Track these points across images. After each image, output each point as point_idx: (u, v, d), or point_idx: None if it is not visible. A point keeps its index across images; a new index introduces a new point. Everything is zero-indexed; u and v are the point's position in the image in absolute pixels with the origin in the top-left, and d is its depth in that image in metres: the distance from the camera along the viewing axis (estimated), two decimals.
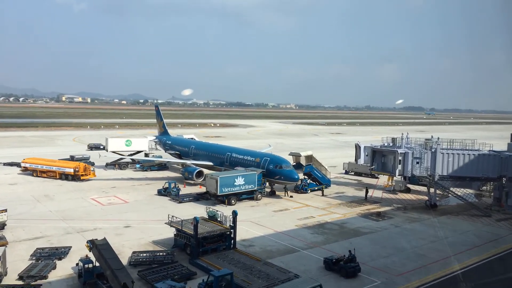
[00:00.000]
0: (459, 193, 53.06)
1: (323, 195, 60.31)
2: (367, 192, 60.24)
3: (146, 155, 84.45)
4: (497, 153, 54.02)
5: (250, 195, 55.39)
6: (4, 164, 79.20)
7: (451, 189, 53.13)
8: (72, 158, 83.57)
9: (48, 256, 33.92)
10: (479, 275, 33.84)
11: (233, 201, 52.99)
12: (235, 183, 53.32)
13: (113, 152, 79.29)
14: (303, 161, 63.43)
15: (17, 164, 77.97)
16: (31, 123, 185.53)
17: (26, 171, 70.79)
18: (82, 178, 66.16)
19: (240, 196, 54.29)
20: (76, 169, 66.30)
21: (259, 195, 56.11)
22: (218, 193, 51.91)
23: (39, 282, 29.79)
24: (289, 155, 64.98)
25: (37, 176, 68.50)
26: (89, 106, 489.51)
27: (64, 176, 66.78)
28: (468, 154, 52.81)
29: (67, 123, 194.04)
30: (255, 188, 55.47)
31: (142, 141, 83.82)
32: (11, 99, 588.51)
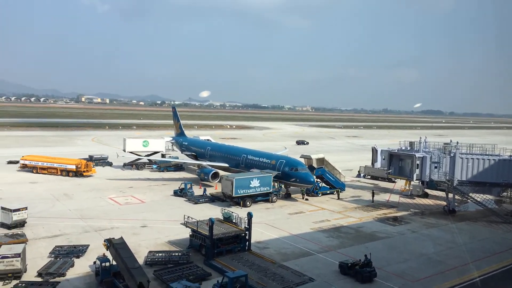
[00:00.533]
0: (478, 199, 52.00)
1: (338, 198, 59.85)
2: (373, 195, 59.94)
3: (163, 155, 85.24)
4: None
5: (265, 197, 55.39)
6: None
7: (470, 194, 52.12)
8: (90, 158, 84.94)
9: (66, 254, 34.54)
10: (498, 283, 33.13)
11: (248, 203, 53.07)
12: (251, 185, 53.39)
13: (131, 152, 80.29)
14: (314, 164, 63.05)
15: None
16: (51, 123, 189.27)
17: (25, 167, 72.81)
18: (84, 174, 69.07)
19: (255, 198, 54.34)
20: (79, 166, 69.00)
21: (274, 198, 56.05)
22: (234, 195, 52.06)
23: (57, 279, 30.33)
24: (300, 157, 64.77)
25: (37, 172, 70.73)
26: (107, 107, 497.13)
27: (66, 173, 69.56)
28: (488, 159, 51.80)
29: (86, 123, 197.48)
30: (271, 190, 55.45)
31: (159, 142, 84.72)
32: (32, 99, 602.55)
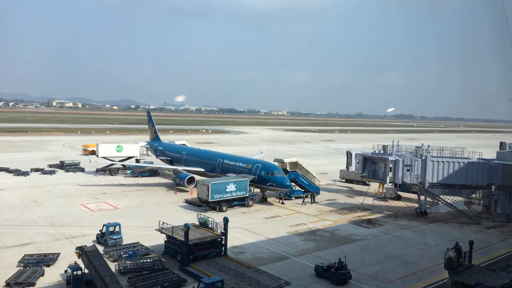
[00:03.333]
0: (449, 201, 53.47)
1: (312, 202, 60.09)
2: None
3: (137, 161, 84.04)
4: (486, 161, 54.65)
5: (241, 202, 55.29)
6: None
7: (441, 196, 53.54)
8: (62, 164, 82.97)
9: (36, 263, 33.47)
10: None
11: (224, 207, 52.85)
12: (227, 190, 53.21)
13: (104, 157, 78.83)
14: (288, 168, 63.45)
15: (6, 169, 77.17)
16: (20, 128, 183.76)
17: None
18: None
19: (231, 203, 54.17)
20: None
21: (250, 202, 56.03)
22: (210, 200, 51.74)
23: None
24: (273, 161, 65.12)
25: None
26: (80, 111, 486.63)
27: None
28: (457, 162, 53.33)
29: (58, 128, 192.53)
30: (247, 194, 55.41)
31: (133, 147, 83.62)
32: (0, 103, 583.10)
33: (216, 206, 52.44)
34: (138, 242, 38.88)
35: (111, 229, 39.36)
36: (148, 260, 34.76)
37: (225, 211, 52.20)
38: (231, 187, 53.58)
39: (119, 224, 40.16)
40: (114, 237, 38.86)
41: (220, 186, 52.80)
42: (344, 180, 77.98)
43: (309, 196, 61.51)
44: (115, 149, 79.87)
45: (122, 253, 35.87)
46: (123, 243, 38.87)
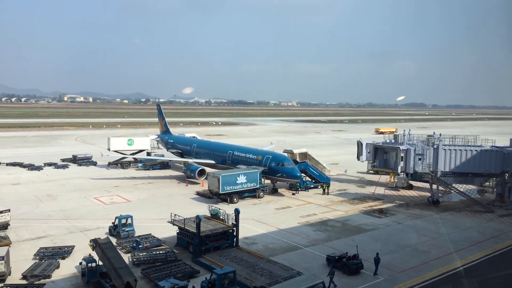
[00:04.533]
0: (461, 189, 52.96)
1: (324, 193, 59.86)
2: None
3: (148, 154, 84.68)
4: (499, 148, 53.90)
5: (252, 193, 55.45)
6: (7, 164, 79.41)
7: (454, 185, 53.04)
8: (74, 158, 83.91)
9: (51, 256, 34.08)
10: (481, 271, 33.79)
11: (235, 199, 53.05)
12: (237, 181, 53.36)
13: (115, 151, 79.52)
14: (297, 159, 63.34)
15: (20, 164, 78.35)
16: (33, 123, 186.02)
17: None
18: None
19: (242, 194, 54.35)
20: None
21: (261, 193, 56.15)
22: (220, 192, 51.98)
23: (42, 281, 29.97)
24: (283, 152, 64.94)
25: None
26: (91, 106, 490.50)
27: None
28: (470, 150, 52.70)
29: (69, 123, 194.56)
30: (257, 186, 55.51)
31: (144, 140, 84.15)
32: (13, 99, 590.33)
33: (227, 198, 52.66)
34: (150, 234, 39.35)
35: (123, 221, 39.90)
36: (161, 252, 35.14)
37: (236, 202, 52.40)
38: (241, 179, 53.71)
39: (131, 217, 40.66)
40: (126, 229, 39.46)
41: (230, 178, 52.94)
42: (373, 172, 75.19)
43: (319, 187, 61.40)
44: (127, 142, 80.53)
45: (134, 245, 36.26)
46: (136, 235, 39.36)
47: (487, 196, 57.21)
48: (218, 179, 51.80)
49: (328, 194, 59.36)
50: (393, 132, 63.66)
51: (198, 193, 58.03)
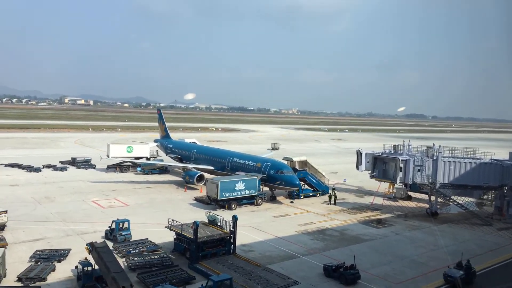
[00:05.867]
0: (460, 202, 52.86)
1: (331, 203, 58.40)
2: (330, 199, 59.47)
3: (148, 159, 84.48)
4: (498, 161, 53.92)
5: (250, 200, 55.33)
6: (6, 165, 79.29)
7: (452, 197, 52.95)
8: (73, 160, 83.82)
9: (47, 258, 33.90)
10: (479, 284, 33.62)
11: (233, 206, 52.91)
12: (236, 188, 53.30)
13: (114, 158, 79.28)
14: (297, 166, 63.35)
15: (18, 166, 78.24)
16: (33, 124, 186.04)
17: None
18: None
19: (240, 201, 54.23)
20: None
21: (259, 200, 56.03)
22: (219, 198, 51.87)
23: (38, 284, 29.74)
24: (282, 159, 64.96)
25: None
26: (91, 109, 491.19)
27: None
28: (469, 162, 52.72)
29: (69, 125, 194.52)
30: (256, 193, 55.43)
31: (144, 148, 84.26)
32: (14, 100, 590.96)
33: (225, 204, 52.53)
34: (147, 239, 39.18)
35: (120, 225, 39.84)
36: (157, 257, 34.98)
37: (234, 209, 52.23)
38: (240, 186, 53.64)
39: (128, 221, 40.58)
40: (123, 233, 39.27)
41: (229, 185, 52.88)
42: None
43: (317, 195, 61.35)
44: (126, 149, 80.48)
45: (131, 249, 36.15)
46: (132, 239, 39.19)
47: (485, 209, 57.11)
48: (217, 185, 51.71)
49: (335, 204, 58.50)
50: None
51: (196, 199, 57.93)
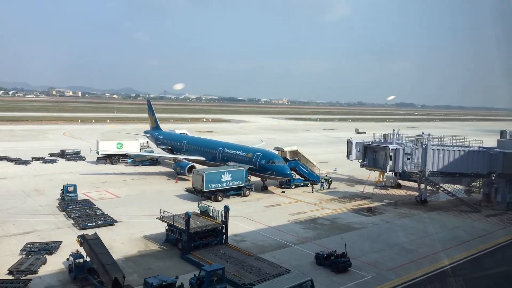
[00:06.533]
0: (449, 189, 53.59)
1: (324, 188, 61.40)
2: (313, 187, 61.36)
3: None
4: (486, 149, 54.62)
5: (237, 191, 55.02)
6: None
7: (441, 185, 53.63)
8: (63, 153, 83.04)
9: (38, 251, 33.72)
10: (468, 270, 34.27)
11: (219, 197, 52.39)
12: (222, 179, 52.65)
13: (104, 155, 78.29)
14: (288, 156, 63.52)
15: (7, 158, 77.28)
16: (21, 117, 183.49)
17: None
18: None
19: (227, 193, 53.90)
20: None
21: (247, 192, 55.75)
22: (204, 189, 51.11)
23: (29, 277, 29.60)
24: (273, 149, 65.09)
25: None
26: (80, 100, 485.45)
27: None
28: (458, 150, 53.33)
29: (58, 117, 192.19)
30: (243, 184, 55.09)
31: (134, 144, 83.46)
32: (0, 92, 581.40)
33: (212, 195, 52.19)
34: (88, 200, 49.89)
35: (70, 189, 49.97)
36: (90, 210, 45.82)
37: (220, 200, 51.68)
38: (226, 177, 53.04)
39: (75, 185, 51.02)
40: (70, 195, 49.63)
41: (215, 176, 52.36)
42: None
43: (308, 185, 61.73)
44: (116, 146, 79.61)
45: (71, 206, 46.68)
46: (78, 199, 49.48)
47: (474, 196, 58.00)
48: (203, 177, 51.13)
49: (329, 188, 61.26)
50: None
51: (187, 190, 57.83)
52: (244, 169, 55.75)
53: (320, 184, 62.33)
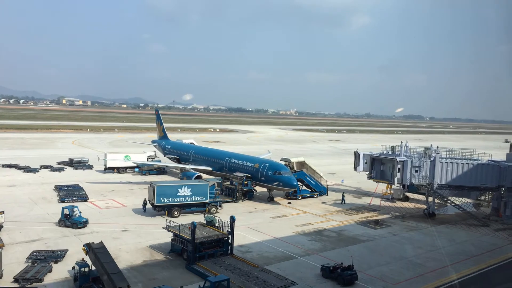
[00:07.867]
0: (457, 202, 52.96)
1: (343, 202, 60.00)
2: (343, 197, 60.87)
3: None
4: (496, 163, 54.04)
5: (202, 208, 50.60)
6: (3, 165, 79.06)
7: (450, 198, 53.05)
8: (71, 161, 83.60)
9: (44, 259, 33.80)
10: (476, 285, 33.74)
11: (176, 213, 48.32)
12: (179, 194, 48.66)
13: (112, 167, 78.36)
14: (294, 167, 63.31)
15: (16, 166, 77.97)
16: (31, 125, 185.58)
17: None
18: None
19: (186, 208, 49.81)
20: None
21: (212, 209, 50.84)
22: (155, 203, 47.69)
23: (34, 285, 29.65)
24: (280, 160, 65.00)
25: None
26: (89, 109, 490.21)
27: None
28: (467, 163, 52.80)
29: (67, 125, 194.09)
30: (207, 200, 50.53)
31: (141, 157, 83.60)
32: (11, 101, 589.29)
33: (166, 210, 48.30)
34: (77, 184, 60.92)
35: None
36: (76, 193, 55.85)
37: (176, 216, 47.67)
38: (184, 191, 48.85)
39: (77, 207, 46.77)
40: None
41: (169, 189, 48.42)
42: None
43: (315, 196, 61.34)
44: (123, 158, 79.84)
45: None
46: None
47: (482, 210, 57.24)
48: (154, 189, 47.54)
49: (344, 203, 59.74)
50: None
51: (144, 202, 56.89)
52: (209, 184, 51.55)
53: (341, 200, 60.50)
